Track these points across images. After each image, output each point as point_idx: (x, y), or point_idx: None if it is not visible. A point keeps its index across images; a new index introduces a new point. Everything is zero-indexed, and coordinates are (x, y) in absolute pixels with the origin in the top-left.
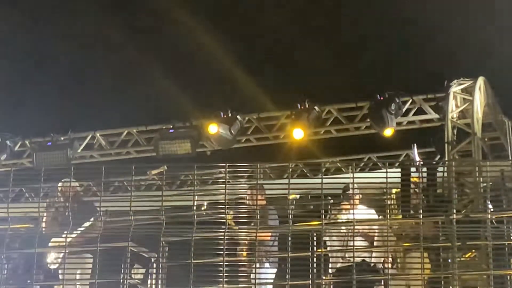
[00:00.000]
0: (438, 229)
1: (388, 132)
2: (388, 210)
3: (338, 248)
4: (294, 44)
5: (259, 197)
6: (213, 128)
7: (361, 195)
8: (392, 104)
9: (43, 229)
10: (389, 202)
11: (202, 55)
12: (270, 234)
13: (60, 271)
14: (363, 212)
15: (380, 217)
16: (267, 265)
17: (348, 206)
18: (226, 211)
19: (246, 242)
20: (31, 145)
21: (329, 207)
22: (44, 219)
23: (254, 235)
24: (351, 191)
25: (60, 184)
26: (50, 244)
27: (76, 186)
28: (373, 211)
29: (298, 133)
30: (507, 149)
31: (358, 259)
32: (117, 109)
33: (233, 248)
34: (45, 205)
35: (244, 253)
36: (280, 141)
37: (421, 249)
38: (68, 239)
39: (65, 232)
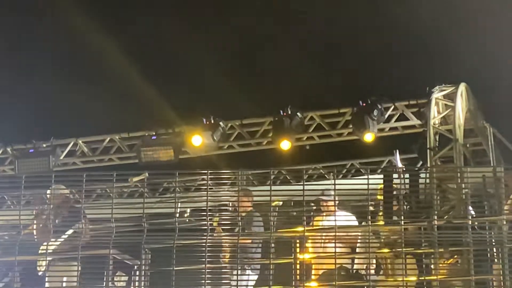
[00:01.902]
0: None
1: (369, 137)
2: (369, 216)
3: (320, 254)
4: (276, 51)
5: (247, 203)
6: (196, 140)
7: (338, 202)
8: (375, 110)
9: (35, 236)
10: (371, 208)
11: (185, 62)
12: (250, 240)
13: (46, 278)
14: (342, 218)
15: (362, 223)
16: (248, 271)
17: (323, 215)
18: (212, 216)
19: (228, 248)
20: (13, 152)
21: (311, 213)
22: (35, 227)
23: (236, 241)
24: (325, 198)
25: (49, 191)
26: (40, 251)
27: (66, 192)
28: (353, 217)
29: (285, 145)
30: (489, 155)
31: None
32: (100, 115)
33: (215, 254)
34: (35, 213)
35: (226, 260)
36: (263, 148)
37: (403, 255)
38: (54, 246)
39: (52, 239)
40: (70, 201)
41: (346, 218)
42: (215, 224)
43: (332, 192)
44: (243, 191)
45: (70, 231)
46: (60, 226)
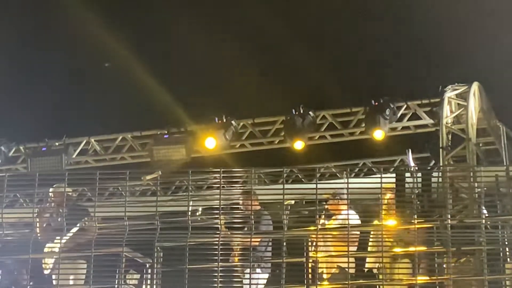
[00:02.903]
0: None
1: (379, 134)
2: (382, 215)
3: (332, 253)
4: (289, 50)
5: (255, 202)
6: (210, 143)
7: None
8: (387, 109)
9: (38, 235)
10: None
11: (197, 61)
12: (259, 239)
13: (54, 277)
14: (350, 216)
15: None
16: (258, 270)
17: (334, 208)
18: (220, 216)
19: (238, 247)
20: (26, 151)
21: (323, 212)
22: (37, 225)
23: (245, 240)
24: (339, 196)
25: (51, 189)
26: (45, 249)
27: (68, 191)
28: (356, 216)
29: (298, 145)
30: (502, 154)
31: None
32: (112, 114)
33: (227, 253)
34: (37, 211)
35: (236, 259)
36: (275, 146)
37: (416, 254)
38: (60, 245)
39: (58, 237)
40: (72, 199)
41: (352, 216)
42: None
43: (344, 192)
44: (248, 192)
45: (74, 229)
46: (61, 225)
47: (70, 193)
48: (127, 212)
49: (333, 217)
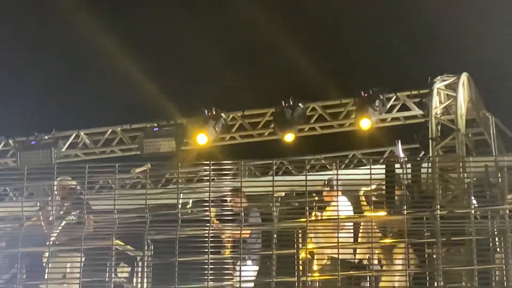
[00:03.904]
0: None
1: (365, 123)
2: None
3: (323, 245)
4: (277, 42)
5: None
6: (201, 139)
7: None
8: (376, 100)
9: (44, 228)
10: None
11: (186, 53)
12: (249, 231)
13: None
14: (342, 204)
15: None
16: (249, 262)
17: (328, 196)
18: (210, 208)
19: (228, 240)
20: (15, 145)
21: (313, 204)
22: (42, 219)
23: (235, 233)
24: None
25: (56, 182)
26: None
27: (73, 184)
28: (348, 203)
29: (289, 137)
30: (491, 145)
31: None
32: (101, 107)
33: (217, 246)
34: (40, 205)
35: (227, 251)
36: (265, 139)
37: (406, 244)
38: (55, 237)
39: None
40: (76, 192)
41: (345, 204)
42: (212, 216)
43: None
44: (236, 191)
45: (69, 217)
46: (65, 218)
47: (74, 186)
48: (117, 206)
49: (328, 207)
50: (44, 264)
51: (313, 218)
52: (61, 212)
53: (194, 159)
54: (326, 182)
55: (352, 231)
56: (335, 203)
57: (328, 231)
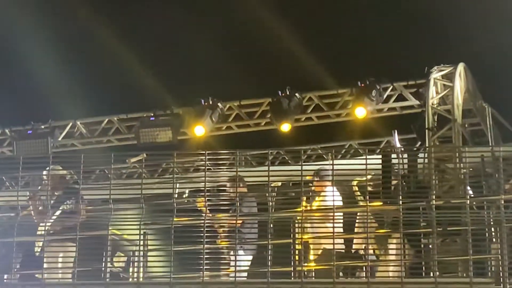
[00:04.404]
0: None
1: (360, 111)
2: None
3: (319, 234)
4: (275, 31)
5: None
6: (199, 130)
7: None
8: (373, 91)
9: (34, 218)
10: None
11: (183, 43)
12: (241, 220)
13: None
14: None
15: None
16: (241, 252)
17: (318, 186)
18: (199, 197)
19: (221, 229)
20: (11, 134)
21: (309, 194)
22: (31, 208)
23: (228, 222)
24: (323, 173)
25: (45, 171)
26: (38, 232)
27: (64, 173)
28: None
29: (285, 127)
30: (487, 135)
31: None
32: (98, 97)
33: (212, 235)
34: (31, 194)
35: (219, 241)
36: (261, 128)
37: (401, 235)
38: (49, 226)
39: (46, 219)
40: (67, 181)
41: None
42: (200, 205)
43: (327, 169)
44: (233, 178)
45: (58, 212)
46: (56, 207)
47: (64, 175)
48: (112, 195)
49: (317, 197)
50: (36, 253)
51: (303, 208)
52: (52, 202)
53: (190, 149)
54: (315, 173)
55: (341, 221)
56: (324, 194)
57: (318, 222)
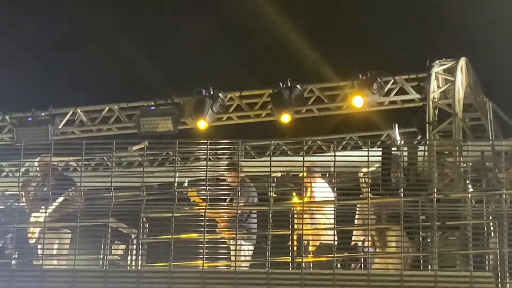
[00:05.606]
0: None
1: (358, 101)
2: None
3: (319, 226)
4: (277, 23)
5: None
6: (202, 124)
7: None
8: (374, 83)
9: (25, 207)
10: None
11: (184, 33)
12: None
13: (39, 246)
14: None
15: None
16: (241, 241)
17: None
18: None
19: (220, 219)
20: (12, 121)
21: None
22: (23, 196)
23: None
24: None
25: (37, 159)
26: (31, 219)
27: (54, 161)
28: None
29: (285, 118)
30: (488, 130)
31: None
32: (99, 85)
33: (212, 225)
34: (23, 182)
35: (217, 230)
36: (262, 119)
37: (401, 228)
38: (45, 215)
39: (43, 207)
40: (58, 170)
41: (325, 188)
42: (193, 196)
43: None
44: (231, 166)
45: (60, 199)
46: (47, 195)
47: (55, 164)
48: (113, 183)
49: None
50: (30, 240)
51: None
52: (44, 189)
53: (191, 138)
54: (306, 169)
55: (332, 215)
56: (315, 187)
57: (311, 214)
